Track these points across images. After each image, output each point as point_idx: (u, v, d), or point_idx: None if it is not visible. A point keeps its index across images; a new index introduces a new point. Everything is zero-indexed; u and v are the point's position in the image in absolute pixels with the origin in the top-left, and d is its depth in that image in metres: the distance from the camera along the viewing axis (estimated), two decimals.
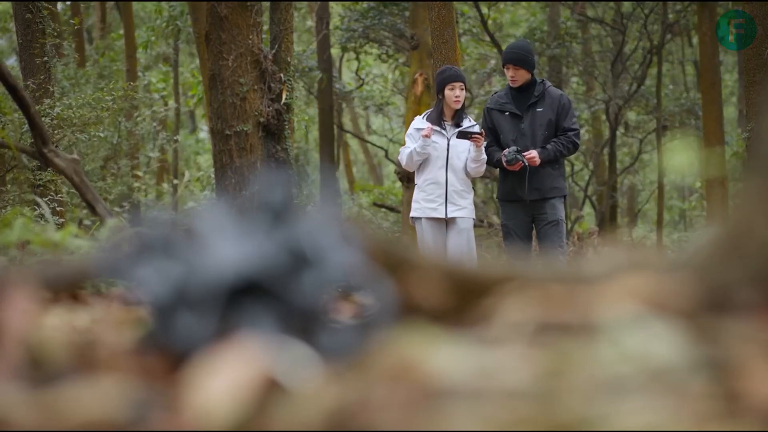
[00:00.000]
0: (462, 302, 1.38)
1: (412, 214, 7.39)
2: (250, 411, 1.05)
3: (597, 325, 1.25)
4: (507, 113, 7.45)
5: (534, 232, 7.45)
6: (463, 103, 7.42)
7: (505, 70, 7.50)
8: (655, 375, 1.09)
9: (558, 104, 7.45)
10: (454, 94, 7.29)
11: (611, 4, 17.92)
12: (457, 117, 7.41)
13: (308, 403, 1.04)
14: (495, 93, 7.84)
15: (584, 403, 1.01)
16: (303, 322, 1.27)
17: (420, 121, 7.44)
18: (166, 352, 1.27)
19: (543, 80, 7.59)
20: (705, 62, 13.73)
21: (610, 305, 1.26)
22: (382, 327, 1.23)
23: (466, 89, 7.47)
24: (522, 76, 7.41)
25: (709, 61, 13.61)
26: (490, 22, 18.12)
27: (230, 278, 1.25)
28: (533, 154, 7.23)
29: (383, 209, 19.77)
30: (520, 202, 7.29)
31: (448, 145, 7.35)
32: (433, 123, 7.34)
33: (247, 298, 1.28)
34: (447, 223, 7.28)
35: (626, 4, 17.50)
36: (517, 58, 7.44)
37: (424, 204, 7.35)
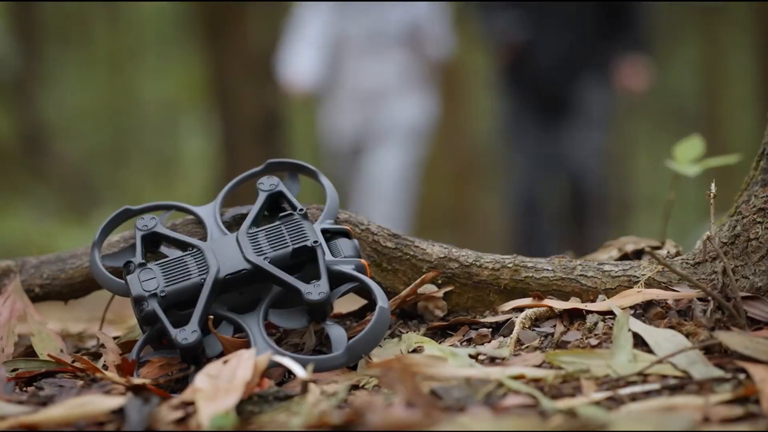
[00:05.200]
0: (465, 302, 1.37)
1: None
2: (251, 411, 1.04)
3: (600, 325, 1.24)
4: None
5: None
6: None
7: None
8: (661, 378, 1.08)
9: None
10: None
11: None
12: None
13: (310, 403, 1.04)
14: None
15: (587, 404, 1.00)
16: (305, 321, 1.26)
17: None
18: (167, 352, 1.26)
19: None
20: (713, 60, 13.73)
21: (613, 306, 1.26)
22: (383, 326, 1.22)
23: None
24: None
25: (717, 59, 13.61)
26: None
27: (231, 276, 1.24)
28: (640, 70, 4.51)
29: None
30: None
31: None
32: None
33: (249, 294, 1.27)
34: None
35: None
36: None
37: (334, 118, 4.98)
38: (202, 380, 1.07)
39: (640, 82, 4.56)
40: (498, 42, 4.55)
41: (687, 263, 1.30)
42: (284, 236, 1.27)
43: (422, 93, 4.95)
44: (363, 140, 4.89)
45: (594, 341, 1.20)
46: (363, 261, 1.27)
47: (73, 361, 1.27)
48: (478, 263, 1.36)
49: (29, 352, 1.35)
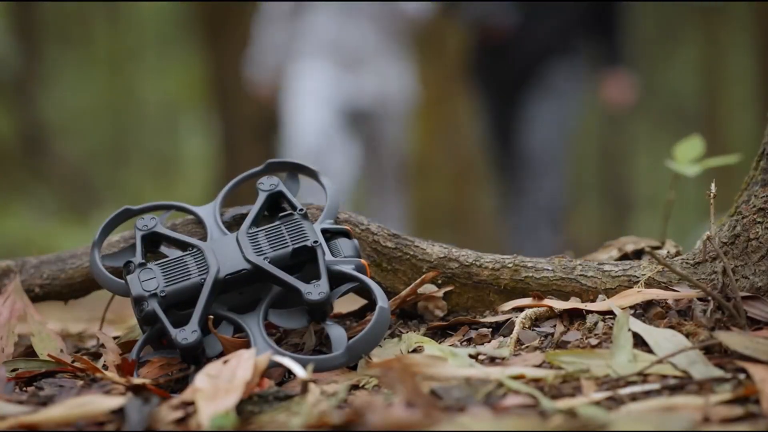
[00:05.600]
0: (465, 302, 1.37)
1: None
2: (251, 411, 1.04)
3: (600, 325, 1.24)
4: None
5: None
6: None
7: None
8: (661, 378, 1.08)
9: None
10: None
11: None
12: None
13: (310, 403, 1.04)
14: None
15: (587, 404, 1.00)
16: (305, 321, 1.26)
17: None
18: (167, 352, 1.26)
19: None
20: (713, 60, 13.72)
21: (613, 306, 1.25)
22: (383, 326, 1.22)
23: None
24: None
25: (717, 59, 13.60)
26: None
27: (231, 276, 1.24)
28: (623, 83, 4.55)
29: None
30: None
31: None
32: None
33: (249, 294, 1.27)
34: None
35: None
36: None
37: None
38: (202, 380, 1.07)
39: (626, 97, 4.56)
40: (484, 25, 4.48)
41: (687, 263, 1.30)
42: (284, 236, 1.27)
43: (400, 59, 4.70)
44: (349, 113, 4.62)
45: (594, 341, 1.20)
46: (363, 261, 1.27)
47: (73, 361, 1.27)
48: (478, 263, 1.36)
49: (29, 352, 1.34)
